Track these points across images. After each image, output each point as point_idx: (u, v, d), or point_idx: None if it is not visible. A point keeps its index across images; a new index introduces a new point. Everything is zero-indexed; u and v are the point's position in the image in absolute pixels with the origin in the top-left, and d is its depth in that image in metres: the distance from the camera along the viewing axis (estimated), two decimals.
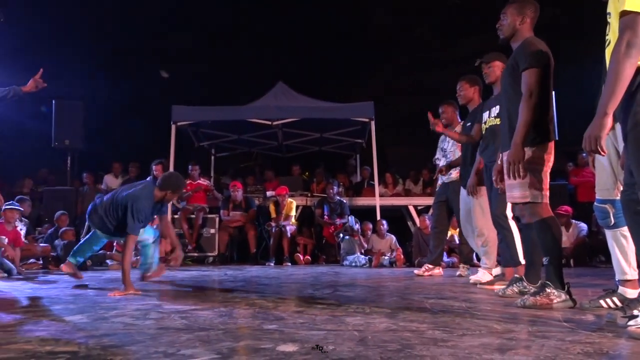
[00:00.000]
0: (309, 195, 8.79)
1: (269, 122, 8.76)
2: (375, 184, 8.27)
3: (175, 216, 7.92)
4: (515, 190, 2.92)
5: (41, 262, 6.74)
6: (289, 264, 7.52)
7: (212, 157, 10.88)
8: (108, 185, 9.03)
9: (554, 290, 2.72)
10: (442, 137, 5.40)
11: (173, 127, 8.18)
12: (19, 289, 4.01)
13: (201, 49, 15.78)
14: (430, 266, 5.27)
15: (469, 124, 4.57)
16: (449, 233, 7.38)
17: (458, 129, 5.03)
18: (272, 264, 7.42)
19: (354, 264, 7.04)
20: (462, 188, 4.71)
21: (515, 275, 3.45)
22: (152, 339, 1.86)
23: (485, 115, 4.03)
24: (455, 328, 2.06)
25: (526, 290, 3.11)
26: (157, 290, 3.83)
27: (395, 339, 1.85)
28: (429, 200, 8.44)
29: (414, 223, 8.21)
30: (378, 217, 7.72)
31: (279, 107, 8.50)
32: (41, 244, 6.83)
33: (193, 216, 7.89)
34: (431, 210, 6.18)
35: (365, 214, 8.11)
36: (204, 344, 1.76)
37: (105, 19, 14.72)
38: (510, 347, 1.70)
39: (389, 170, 9.93)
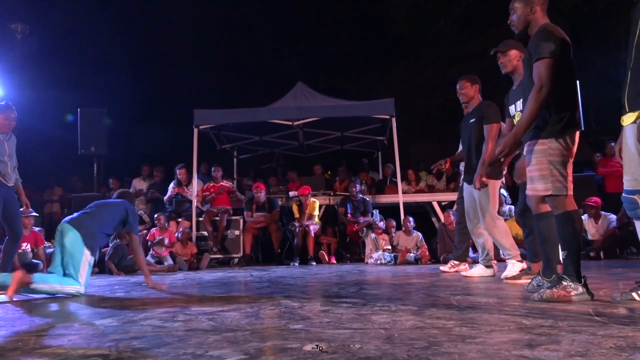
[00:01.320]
0: (332, 194, 8.79)
1: (290, 123, 8.79)
2: (398, 180, 8.22)
3: (200, 219, 8.01)
4: (538, 183, 2.87)
5: None
6: (314, 263, 7.53)
7: (235, 159, 10.97)
8: (136, 189, 9.18)
9: (570, 283, 2.69)
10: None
11: (195, 130, 8.28)
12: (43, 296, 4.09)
13: (220, 52, 15.92)
14: (456, 262, 5.23)
15: (472, 120, 4.60)
16: None
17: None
18: (297, 264, 7.44)
19: (379, 262, 7.02)
20: (465, 184, 4.71)
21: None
22: (181, 340, 1.89)
23: (512, 108, 3.97)
24: (483, 324, 2.04)
25: (542, 284, 3.05)
26: (184, 293, 3.88)
27: (422, 336, 1.83)
28: (452, 196, 8.35)
29: (438, 219, 8.14)
30: (402, 214, 7.68)
31: (299, 107, 8.52)
32: None
33: (217, 218, 7.97)
34: (455, 206, 6.13)
35: (388, 212, 8.08)
36: (231, 345, 1.77)
37: (125, 26, 14.97)
38: (539, 343, 1.68)
39: (416, 166, 9.86)
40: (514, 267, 4.27)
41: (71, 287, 3.80)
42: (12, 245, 4.83)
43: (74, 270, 3.85)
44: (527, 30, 3.04)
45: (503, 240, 4.41)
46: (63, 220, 4.10)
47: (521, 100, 3.71)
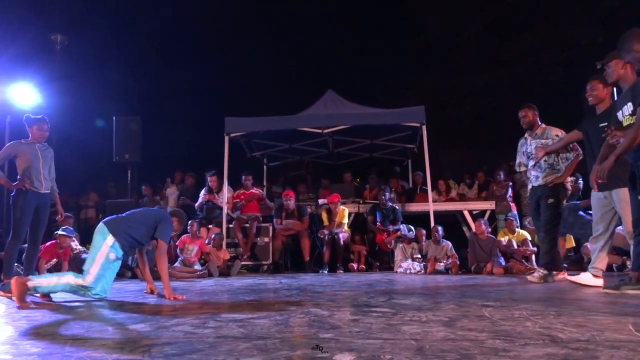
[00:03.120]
0: (361, 202, 8.76)
1: (320, 130, 8.81)
2: (429, 189, 8.13)
3: (230, 226, 8.09)
4: None
5: None
6: (342, 271, 7.51)
7: (265, 167, 11.05)
8: (167, 195, 9.36)
9: None
10: (522, 141, 5.38)
11: (226, 138, 8.39)
12: (85, 298, 4.19)
13: (251, 60, 16.12)
14: (555, 272, 5.11)
15: (604, 124, 4.16)
16: (506, 238, 7.17)
17: (539, 131, 5.20)
18: (326, 272, 7.43)
19: (408, 271, 6.95)
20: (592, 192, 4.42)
21: None
22: (212, 347, 1.91)
23: (619, 115, 3.85)
24: (517, 337, 1.99)
25: None
26: (215, 299, 3.92)
27: (454, 348, 1.81)
28: (484, 205, 8.24)
29: (469, 228, 8.01)
30: (432, 223, 7.59)
31: (329, 115, 8.54)
32: None
33: (247, 225, 8.03)
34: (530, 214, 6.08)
35: (418, 220, 8.00)
36: (261, 353, 1.78)
37: (159, 36, 15.30)
38: (576, 358, 1.63)
39: (443, 175, 9.74)
40: (587, 278, 4.29)
41: (68, 276, 3.81)
42: (33, 251, 5.04)
43: (89, 262, 3.89)
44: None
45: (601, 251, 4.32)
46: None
47: (629, 105, 3.65)
